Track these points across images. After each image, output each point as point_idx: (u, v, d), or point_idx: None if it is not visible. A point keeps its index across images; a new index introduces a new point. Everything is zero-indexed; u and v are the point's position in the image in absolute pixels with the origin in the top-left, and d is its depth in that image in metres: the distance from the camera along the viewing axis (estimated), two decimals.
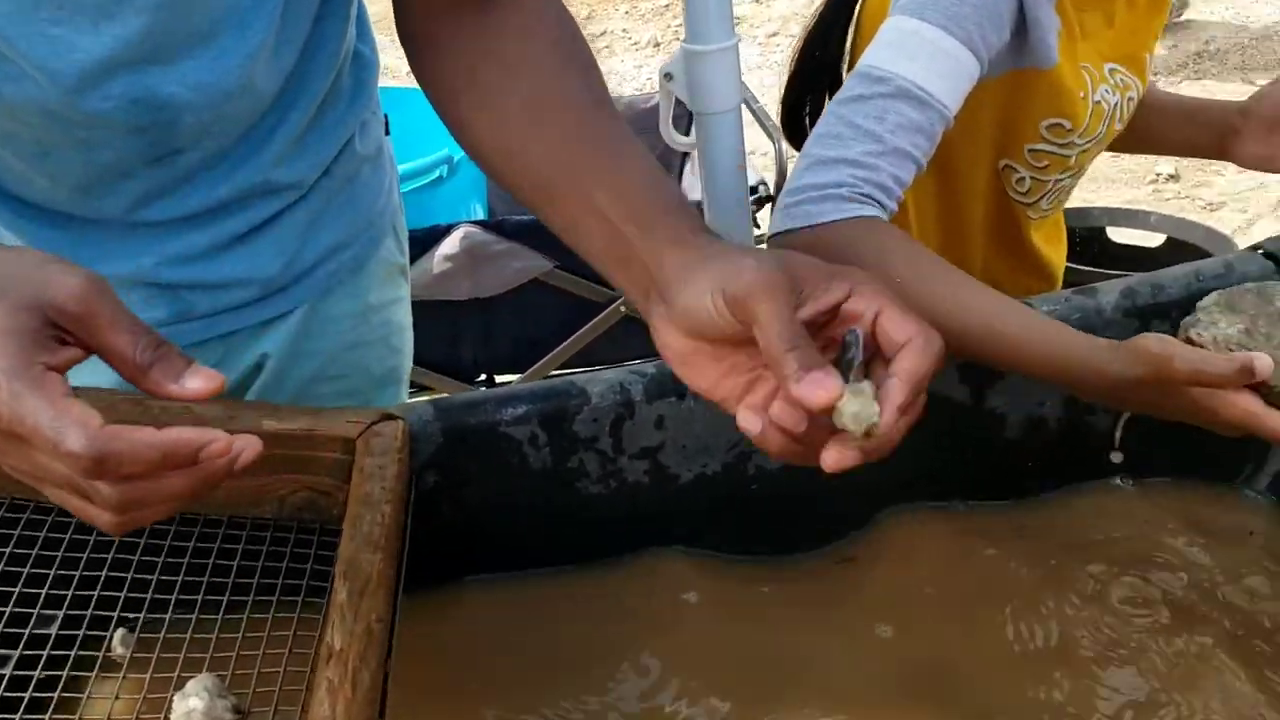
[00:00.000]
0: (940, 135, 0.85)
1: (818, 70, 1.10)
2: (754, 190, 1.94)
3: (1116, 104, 1.01)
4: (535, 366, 2.06)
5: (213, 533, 0.74)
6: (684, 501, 0.87)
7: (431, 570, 0.84)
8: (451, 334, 2.01)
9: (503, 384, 2.14)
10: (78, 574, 0.70)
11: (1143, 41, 1.04)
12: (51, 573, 0.69)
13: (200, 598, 0.70)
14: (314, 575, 0.72)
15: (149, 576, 0.70)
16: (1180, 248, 2.09)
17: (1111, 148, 1.14)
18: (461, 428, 0.82)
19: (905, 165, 0.82)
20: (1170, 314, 0.88)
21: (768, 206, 1.98)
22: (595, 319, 2.01)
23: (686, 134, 0.98)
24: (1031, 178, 1.03)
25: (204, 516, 0.74)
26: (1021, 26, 0.90)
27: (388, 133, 0.97)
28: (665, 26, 4.78)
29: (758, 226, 2.04)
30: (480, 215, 2.10)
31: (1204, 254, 1.92)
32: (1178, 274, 0.89)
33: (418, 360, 2.04)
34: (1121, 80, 1.02)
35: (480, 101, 0.74)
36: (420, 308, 1.99)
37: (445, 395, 0.85)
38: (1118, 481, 0.91)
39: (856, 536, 0.89)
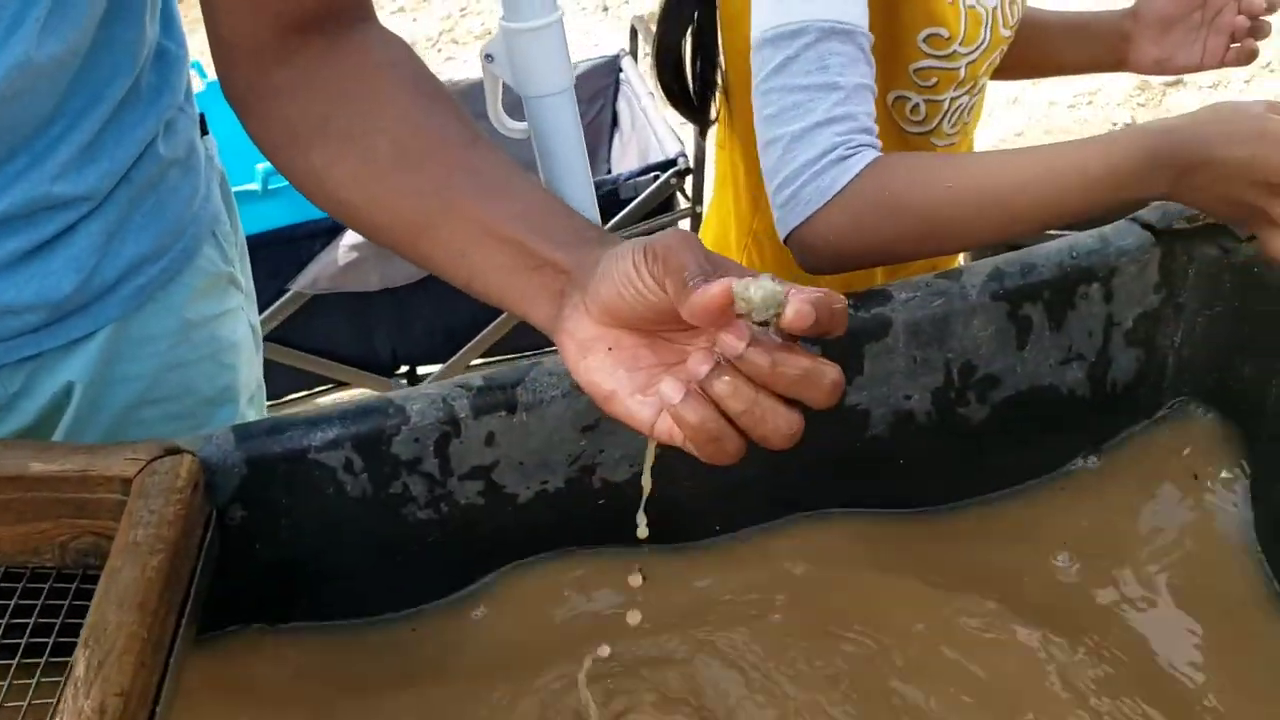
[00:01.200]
0: (872, 54, 0.83)
1: (689, 20, 1.00)
2: (673, 162, 1.86)
3: (995, 7, 0.93)
4: (456, 357, 1.99)
5: None
6: (525, 522, 0.81)
7: (243, 616, 0.78)
8: (365, 327, 1.94)
9: (424, 376, 2.07)
10: None
11: None
12: None
13: None
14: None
15: None
16: None
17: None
18: (267, 456, 0.75)
19: (868, 98, 0.81)
20: (1042, 295, 0.81)
21: (689, 180, 1.90)
22: None
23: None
24: (924, 100, 0.96)
25: None
26: None
27: (205, 132, 0.90)
28: None
29: (678, 203, 1.96)
30: None
31: None
32: (1050, 251, 0.82)
33: (333, 356, 1.99)
34: None
35: (339, 150, 0.69)
36: (330, 301, 1.93)
37: (249, 421, 0.78)
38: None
39: (712, 544, 0.83)
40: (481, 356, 2.01)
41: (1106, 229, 0.83)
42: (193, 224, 0.87)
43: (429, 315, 1.94)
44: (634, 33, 2.27)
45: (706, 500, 0.82)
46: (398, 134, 0.68)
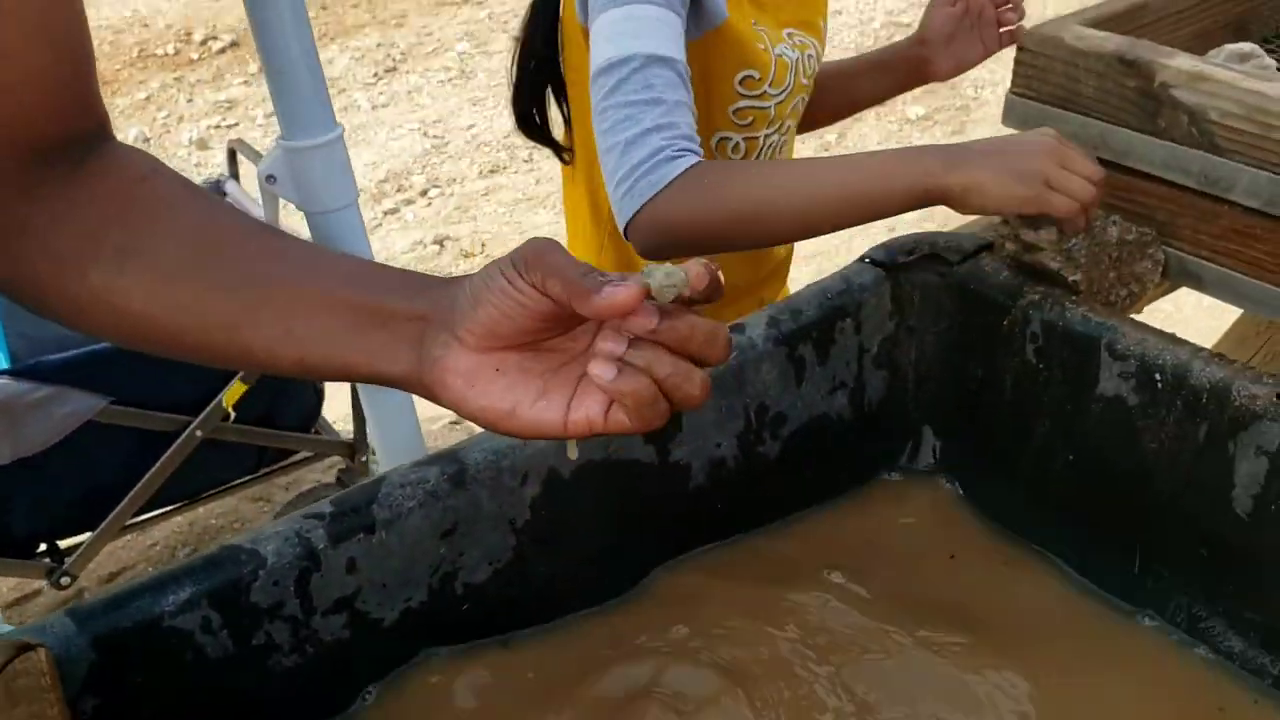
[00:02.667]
0: (692, 88, 0.97)
1: (539, 73, 1.15)
2: None
3: (797, 59, 1.11)
4: (108, 520, 1.79)
5: None
6: (391, 646, 0.78)
7: None
8: None
9: (69, 549, 1.85)
10: None
11: (815, 9, 1.17)
12: None
13: None
14: None
15: None
16: None
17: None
18: (115, 634, 0.67)
19: (688, 114, 0.95)
20: (811, 335, 0.92)
21: None
22: (170, 450, 1.79)
23: None
24: (744, 139, 1.11)
25: None
26: None
27: None
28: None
29: None
30: (3, 363, 1.80)
31: None
32: (808, 296, 0.93)
33: None
34: (799, 41, 1.12)
35: (121, 265, 0.63)
36: None
37: (86, 601, 0.69)
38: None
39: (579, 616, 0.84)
40: (136, 514, 1.83)
41: (847, 271, 0.95)
42: None
43: (72, 480, 1.74)
44: (232, 154, 2.19)
45: (565, 581, 0.84)
46: (185, 236, 0.64)
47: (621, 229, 0.95)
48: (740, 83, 1.08)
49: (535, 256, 0.55)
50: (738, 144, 1.12)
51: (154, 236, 0.64)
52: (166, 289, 0.63)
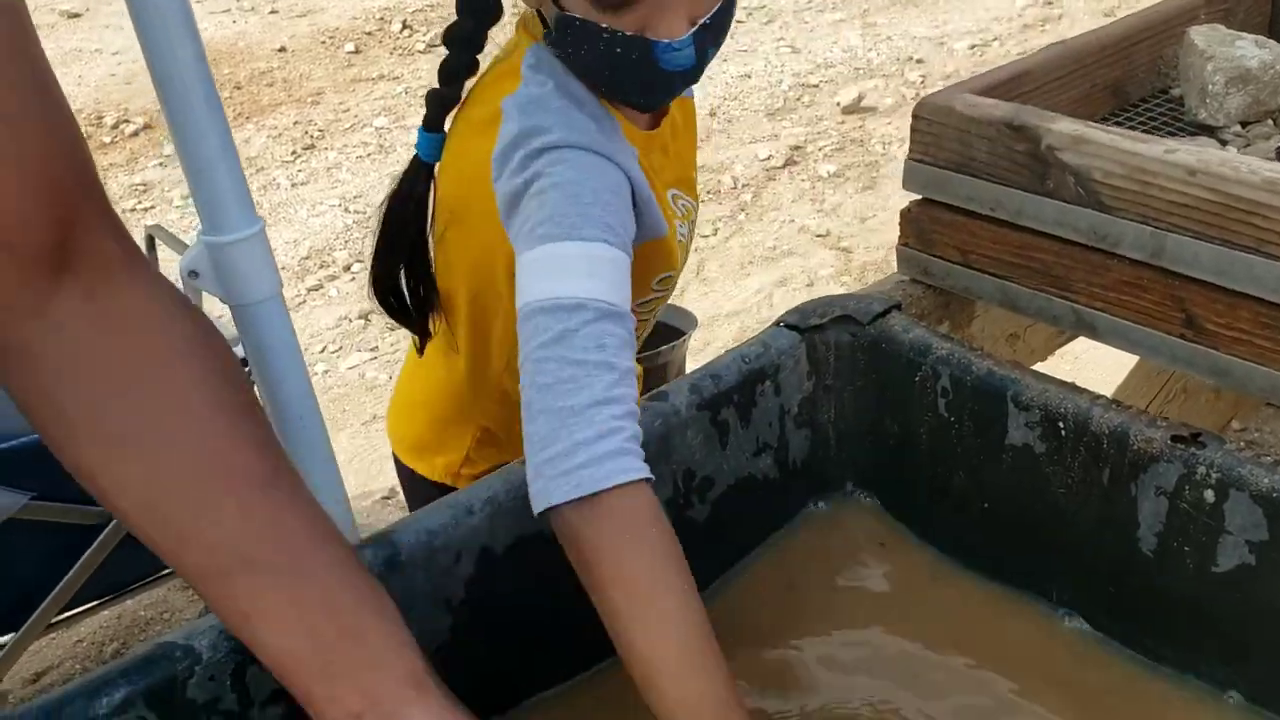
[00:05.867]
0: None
1: (405, 244, 1.07)
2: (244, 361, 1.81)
3: (686, 235, 1.09)
4: (32, 619, 1.75)
5: None
6: None
7: None
8: None
9: None
10: None
11: (689, 162, 1.12)
12: None
13: None
14: None
15: None
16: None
17: None
18: None
19: (633, 382, 0.81)
20: (733, 399, 0.94)
21: None
22: (94, 544, 1.75)
23: None
24: (639, 320, 1.08)
25: None
26: (635, 205, 0.93)
27: None
28: None
29: None
30: None
31: (677, 331, 2.11)
32: (727, 362, 0.95)
33: None
34: (684, 206, 1.09)
35: (116, 455, 0.61)
36: None
37: (15, 710, 0.69)
38: None
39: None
40: (64, 610, 1.79)
41: (764, 335, 0.98)
42: None
43: None
44: (150, 241, 2.18)
45: (505, 661, 0.85)
46: (188, 453, 0.62)
47: (538, 507, 0.78)
48: (658, 283, 1.08)
49: None
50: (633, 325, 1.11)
51: (155, 436, 0.62)
52: (153, 507, 0.62)
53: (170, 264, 2.57)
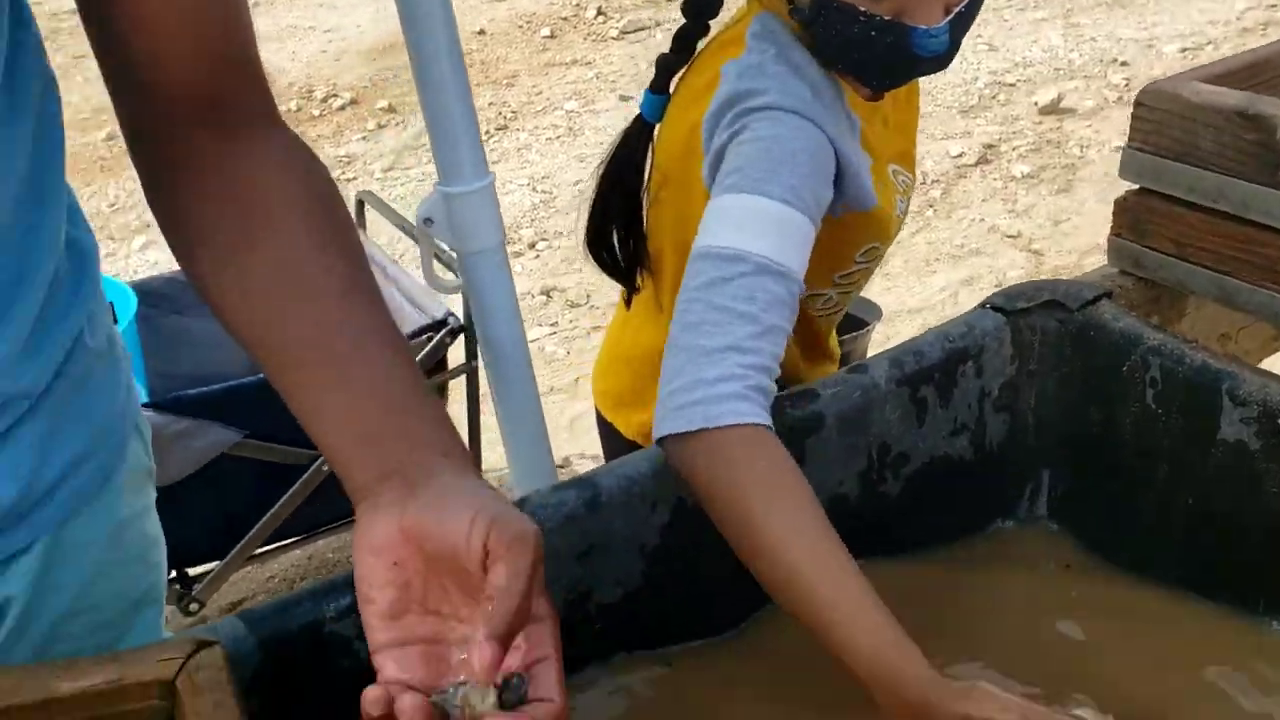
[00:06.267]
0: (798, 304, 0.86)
1: (620, 201, 1.11)
2: (444, 323, 1.89)
3: (904, 207, 1.09)
4: (238, 548, 1.88)
5: None
6: None
7: None
8: None
9: (198, 575, 1.94)
10: None
11: (911, 137, 1.13)
12: None
13: None
14: None
15: None
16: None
17: None
18: (281, 636, 0.72)
19: (780, 340, 0.82)
20: (933, 377, 0.94)
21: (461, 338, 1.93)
22: (297, 483, 1.87)
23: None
24: (838, 293, 1.09)
25: None
26: (840, 174, 0.95)
27: (116, 320, 0.86)
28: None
29: (444, 366, 1.99)
30: (143, 397, 1.91)
31: (861, 321, 2.10)
32: (931, 339, 0.95)
33: None
34: (904, 182, 1.09)
35: (222, 260, 0.71)
36: None
37: (255, 606, 0.75)
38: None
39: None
40: (264, 545, 1.91)
41: (969, 315, 0.98)
42: (119, 419, 0.83)
43: (204, 509, 1.83)
44: (360, 205, 2.29)
45: (683, 610, 0.87)
46: (278, 271, 0.70)
47: (655, 435, 0.81)
48: (862, 254, 1.07)
49: (514, 544, 0.59)
50: (830, 298, 1.11)
51: (253, 248, 0.70)
52: (247, 306, 0.70)
53: (376, 229, 2.67)
